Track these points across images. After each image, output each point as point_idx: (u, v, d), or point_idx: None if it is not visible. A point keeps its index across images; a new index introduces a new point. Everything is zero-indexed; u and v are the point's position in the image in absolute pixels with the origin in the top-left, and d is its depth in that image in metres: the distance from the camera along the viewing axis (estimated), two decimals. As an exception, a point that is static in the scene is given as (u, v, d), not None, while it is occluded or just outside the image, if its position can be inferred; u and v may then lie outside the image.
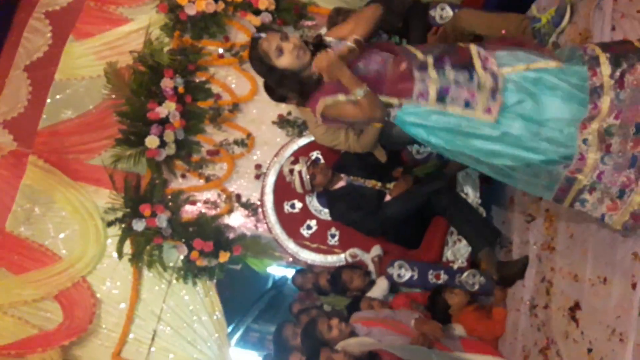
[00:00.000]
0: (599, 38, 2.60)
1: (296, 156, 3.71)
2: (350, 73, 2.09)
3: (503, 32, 3.28)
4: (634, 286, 2.10)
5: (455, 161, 3.38)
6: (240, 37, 4.14)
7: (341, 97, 2.13)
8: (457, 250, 3.47)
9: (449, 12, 3.65)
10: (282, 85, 2.22)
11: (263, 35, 2.15)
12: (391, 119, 2.17)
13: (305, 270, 3.83)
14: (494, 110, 2.04)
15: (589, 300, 2.42)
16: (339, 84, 2.12)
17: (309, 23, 4.09)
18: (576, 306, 2.50)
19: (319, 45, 2.19)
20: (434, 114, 2.09)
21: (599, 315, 2.31)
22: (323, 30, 3.88)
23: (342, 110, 2.16)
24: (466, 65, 2.08)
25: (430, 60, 2.11)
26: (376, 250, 3.60)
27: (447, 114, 2.09)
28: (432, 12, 3.67)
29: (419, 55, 2.14)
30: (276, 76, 2.19)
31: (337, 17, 3.52)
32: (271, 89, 3.41)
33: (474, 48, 2.14)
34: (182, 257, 3.88)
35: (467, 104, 2.06)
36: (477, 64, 2.08)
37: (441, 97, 2.07)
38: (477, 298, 3.48)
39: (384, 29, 3.59)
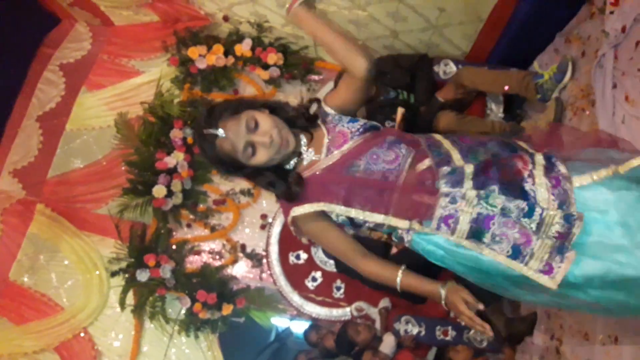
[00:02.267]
0: (601, 95, 2.63)
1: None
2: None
3: (506, 88, 3.34)
4: (646, 347, 2.05)
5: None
6: (249, 90, 4.23)
7: (320, 208, 1.52)
8: (465, 306, 3.40)
9: (452, 67, 3.73)
10: (257, 183, 1.62)
11: (220, 132, 1.44)
12: (405, 243, 1.58)
13: (319, 326, 3.74)
14: (559, 274, 1.36)
15: (600, 360, 2.35)
16: (324, 182, 1.53)
17: (316, 77, 4.18)
18: (588, 366, 2.43)
19: (313, 118, 1.59)
20: (462, 248, 1.47)
21: (612, 377, 2.24)
22: (324, 91, 3.96)
23: (321, 234, 1.60)
24: (521, 187, 1.39)
25: (469, 169, 1.44)
26: (384, 302, 3.54)
27: (481, 256, 1.45)
28: (436, 68, 3.75)
29: (454, 155, 1.46)
30: (248, 173, 1.57)
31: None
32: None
33: (538, 156, 1.45)
34: (184, 309, 3.83)
35: (516, 252, 1.39)
36: (539, 181, 1.39)
37: (476, 233, 1.41)
38: (483, 353, 3.40)
39: (391, 85, 3.66)
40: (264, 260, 3.93)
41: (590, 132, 2.01)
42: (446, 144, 1.51)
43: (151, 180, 3.95)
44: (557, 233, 1.35)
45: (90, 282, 3.99)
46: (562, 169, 1.41)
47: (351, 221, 1.57)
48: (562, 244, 1.36)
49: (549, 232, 1.36)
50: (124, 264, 3.87)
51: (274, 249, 3.85)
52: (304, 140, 1.58)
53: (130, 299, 3.89)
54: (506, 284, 1.50)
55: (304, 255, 3.80)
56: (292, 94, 4.19)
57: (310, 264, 3.79)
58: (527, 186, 1.39)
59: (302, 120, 1.57)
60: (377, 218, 1.53)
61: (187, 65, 4.15)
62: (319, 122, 1.59)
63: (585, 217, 1.34)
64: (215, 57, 4.08)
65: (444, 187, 1.45)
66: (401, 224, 1.51)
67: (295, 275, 3.78)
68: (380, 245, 3.48)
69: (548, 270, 1.37)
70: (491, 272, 1.47)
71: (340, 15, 3.64)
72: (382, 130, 1.58)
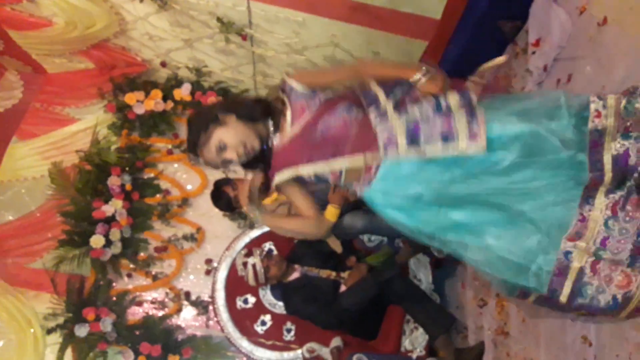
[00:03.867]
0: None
1: (249, 248, 3.67)
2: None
3: None
4: (587, 369, 2.12)
5: (407, 248, 3.49)
6: (189, 134, 4.20)
7: (289, 174, 1.82)
8: (415, 339, 3.43)
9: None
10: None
11: (201, 161, 1.85)
12: (358, 195, 1.81)
13: None
14: (481, 133, 1.64)
15: (546, 386, 2.41)
16: (288, 151, 1.81)
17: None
18: (535, 392, 2.49)
19: (271, 109, 1.85)
20: (408, 178, 1.71)
21: (558, 401, 2.30)
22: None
23: (292, 197, 1.92)
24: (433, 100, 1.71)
25: (389, 106, 1.75)
26: (336, 341, 3.51)
27: (425, 166, 1.70)
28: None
29: (381, 98, 1.77)
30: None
31: None
32: (217, 199, 3.46)
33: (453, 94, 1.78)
34: (128, 363, 3.66)
35: (446, 138, 1.66)
36: (451, 98, 1.71)
37: (413, 140, 1.68)
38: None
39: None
40: (210, 307, 3.83)
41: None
42: (374, 87, 1.78)
43: (88, 230, 3.83)
44: (462, 104, 1.66)
45: (24, 342, 3.77)
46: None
47: (317, 179, 1.84)
48: (471, 111, 1.65)
49: (456, 108, 1.66)
50: (61, 320, 3.70)
51: (221, 295, 3.77)
52: (270, 124, 1.85)
53: (68, 356, 3.69)
54: (444, 220, 1.73)
55: (252, 299, 3.74)
56: (234, 137, 4.20)
57: (259, 308, 3.72)
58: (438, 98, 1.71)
59: (264, 113, 1.83)
60: (338, 163, 1.76)
61: (124, 111, 4.11)
62: (284, 96, 1.84)
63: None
64: (153, 102, 4.06)
65: (377, 125, 1.73)
66: (358, 161, 1.74)
67: (244, 320, 3.70)
68: (329, 284, 3.51)
69: (473, 135, 1.64)
70: (442, 202, 1.72)
71: (279, 60, 3.72)
72: (334, 99, 1.82)
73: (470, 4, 2.94)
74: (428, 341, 3.40)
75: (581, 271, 1.63)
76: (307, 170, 1.79)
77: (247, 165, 1.88)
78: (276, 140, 1.84)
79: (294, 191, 1.91)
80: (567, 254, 1.64)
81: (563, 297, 1.65)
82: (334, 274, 3.54)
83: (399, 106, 1.74)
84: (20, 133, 4.26)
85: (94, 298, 3.78)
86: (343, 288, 3.48)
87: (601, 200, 1.64)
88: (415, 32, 3.22)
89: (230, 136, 1.77)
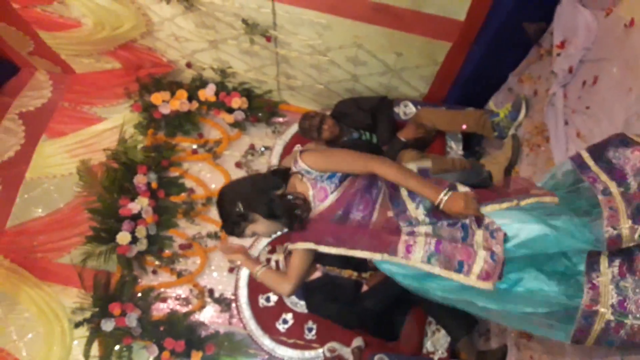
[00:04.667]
0: (554, 132, 2.77)
1: (273, 245, 3.71)
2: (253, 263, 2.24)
3: (463, 127, 3.48)
4: (612, 373, 2.11)
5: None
6: (214, 134, 4.26)
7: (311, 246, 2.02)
8: (437, 341, 3.43)
9: (411, 108, 3.86)
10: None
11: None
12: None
13: None
14: (493, 276, 1.74)
15: (570, 390, 2.40)
16: (313, 228, 2.01)
17: (281, 120, 4.26)
18: (558, 396, 2.48)
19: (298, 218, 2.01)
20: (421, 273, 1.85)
21: (581, 405, 2.28)
22: (290, 132, 4.05)
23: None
24: (459, 222, 1.83)
25: (421, 216, 1.86)
26: (357, 341, 3.53)
27: (435, 277, 1.83)
28: (396, 109, 3.87)
29: (410, 207, 1.88)
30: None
31: (305, 121, 3.68)
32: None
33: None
34: (152, 358, 3.73)
35: (461, 268, 1.77)
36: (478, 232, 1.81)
37: (430, 256, 1.81)
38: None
39: (354, 126, 3.77)
40: (233, 305, 3.88)
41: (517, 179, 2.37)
42: (403, 193, 1.91)
43: (115, 227, 3.89)
44: (485, 243, 1.77)
45: (52, 334, 3.86)
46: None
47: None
48: (492, 252, 1.76)
49: (479, 244, 1.78)
50: (88, 314, 3.76)
51: (243, 293, 3.81)
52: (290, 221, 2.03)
53: (95, 349, 3.77)
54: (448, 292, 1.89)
55: (274, 298, 3.78)
56: (258, 136, 4.24)
57: (281, 306, 3.76)
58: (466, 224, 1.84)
59: (284, 210, 1.99)
60: (356, 253, 1.91)
61: (150, 111, 4.16)
62: (302, 177, 1.99)
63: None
64: (179, 103, 4.11)
65: (405, 228, 1.87)
66: (376, 257, 1.88)
67: (266, 318, 3.74)
68: (350, 284, 3.52)
69: (485, 277, 1.75)
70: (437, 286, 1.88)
71: (302, 61, 3.74)
72: (354, 179, 1.96)
73: (494, 5, 2.93)
74: (450, 343, 3.40)
75: (605, 330, 1.75)
76: (327, 250, 1.94)
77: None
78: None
79: (301, 257, 2.09)
80: (587, 318, 1.75)
81: (588, 344, 1.79)
82: (355, 274, 3.55)
83: (430, 214, 1.86)
84: (50, 131, 4.35)
85: (120, 294, 3.85)
86: (365, 288, 3.50)
87: (605, 266, 1.75)
88: (439, 34, 3.22)
89: (261, 230, 2.06)
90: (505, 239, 1.77)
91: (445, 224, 1.83)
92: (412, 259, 1.81)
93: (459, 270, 1.76)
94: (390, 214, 1.89)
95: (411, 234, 1.84)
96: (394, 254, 1.84)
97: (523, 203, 1.82)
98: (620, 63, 2.34)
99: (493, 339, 3.30)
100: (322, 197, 1.96)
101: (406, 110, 3.87)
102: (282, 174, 2.07)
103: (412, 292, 1.95)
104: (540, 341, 2.72)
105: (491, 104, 3.52)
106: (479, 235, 1.78)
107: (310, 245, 1.96)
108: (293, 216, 1.97)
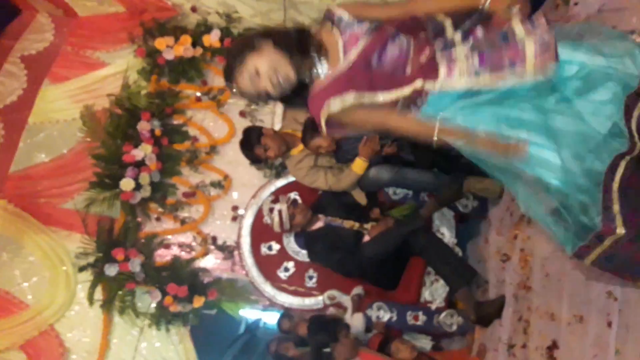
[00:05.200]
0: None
1: (276, 195, 3.71)
2: None
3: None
4: (609, 324, 2.13)
5: (432, 202, 3.49)
6: (218, 81, 4.19)
7: (350, 99, 1.72)
8: (435, 291, 3.48)
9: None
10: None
11: (234, 90, 1.79)
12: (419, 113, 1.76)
13: (291, 315, 3.74)
14: (549, 55, 1.65)
15: (566, 339, 2.43)
16: (342, 80, 1.74)
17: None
18: (554, 345, 2.51)
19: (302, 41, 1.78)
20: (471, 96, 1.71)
21: (577, 354, 2.32)
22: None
23: (354, 117, 1.76)
24: (502, 32, 1.69)
25: (457, 37, 1.73)
26: (357, 289, 3.58)
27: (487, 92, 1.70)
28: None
29: (447, 26, 1.75)
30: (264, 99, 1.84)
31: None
32: (247, 152, 3.47)
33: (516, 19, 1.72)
34: (155, 302, 3.79)
35: (513, 63, 1.66)
36: (518, 28, 1.68)
37: (475, 72, 1.69)
38: (438, 342, 3.52)
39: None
40: (236, 252, 3.91)
41: None
42: (441, 16, 1.77)
43: (118, 174, 3.89)
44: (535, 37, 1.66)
45: (56, 278, 3.91)
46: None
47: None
48: (542, 39, 1.65)
49: (529, 38, 1.66)
50: (91, 259, 3.81)
51: (246, 241, 3.84)
52: (315, 56, 1.77)
53: (98, 293, 3.83)
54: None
55: (276, 246, 3.80)
56: (262, 85, 4.17)
57: (283, 255, 3.79)
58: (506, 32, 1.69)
59: (304, 44, 1.76)
60: (399, 92, 1.73)
61: (154, 56, 4.10)
62: (332, 26, 1.79)
63: None
64: (183, 48, 4.04)
65: (440, 58, 1.71)
66: (417, 84, 1.72)
67: (268, 266, 3.78)
68: (352, 234, 3.54)
69: (542, 50, 1.66)
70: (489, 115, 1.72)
71: (311, 5, 3.69)
72: (383, 27, 1.77)
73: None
74: (448, 293, 3.45)
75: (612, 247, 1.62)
76: (369, 98, 1.73)
77: (286, 100, 1.84)
78: (324, 71, 1.77)
79: (362, 113, 1.77)
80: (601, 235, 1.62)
81: (587, 261, 1.68)
82: (357, 224, 3.57)
83: (467, 36, 1.72)
84: (52, 76, 4.30)
85: (123, 239, 3.88)
86: (366, 239, 3.52)
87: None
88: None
89: (264, 62, 1.71)
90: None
91: (483, 40, 1.70)
92: (456, 79, 1.69)
93: (511, 67, 1.66)
94: (425, 53, 1.72)
95: (449, 60, 1.70)
96: (435, 78, 1.70)
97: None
98: None
99: (491, 290, 3.33)
100: (352, 42, 1.76)
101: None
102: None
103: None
104: (539, 293, 2.75)
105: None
106: (519, 30, 1.66)
107: (352, 97, 1.71)
108: (314, 45, 1.76)
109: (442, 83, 1.71)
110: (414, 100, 1.74)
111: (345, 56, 1.77)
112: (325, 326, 3.38)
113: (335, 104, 1.71)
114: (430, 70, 1.71)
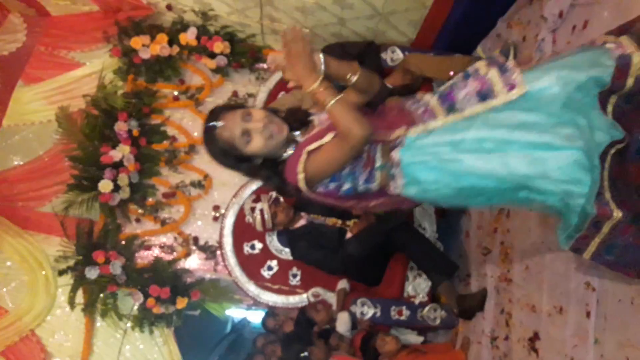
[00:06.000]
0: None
1: (257, 194, 3.70)
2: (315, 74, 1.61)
3: (451, 73, 3.43)
4: (588, 314, 2.17)
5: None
6: (196, 80, 4.15)
7: (311, 147, 1.66)
8: (418, 285, 3.50)
9: (399, 54, 3.79)
10: (256, 176, 1.82)
11: (219, 124, 1.68)
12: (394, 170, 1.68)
13: (276, 313, 3.74)
14: (518, 79, 1.60)
15: (547, 330, 2.47)
16: (303, 143, 1.70)
17: (265, 66, 4.15)
18: (535, 337, 2.55)
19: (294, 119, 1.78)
20: (452, 134, 1.65)
21: (558, 345, 2.36)
22: (274, 79, 3.96)
23: (320, 157, 1.65)
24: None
25: (434, 101, 1.72)
26: (342, 283, 3.60)
27: (466, 128, 1.63)
28: (383, 55, 3.80)
29: (426, 97, 1.76)
30: (247, 168, 1.77)
31: None
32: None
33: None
34: (137, 304, 3.75)
35: (484, 96, 1.63)
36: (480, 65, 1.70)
37: (450, 107, 1.66)
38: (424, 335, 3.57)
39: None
40: (218, 252, 3.89)
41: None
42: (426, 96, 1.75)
43: (97, 175, 3.83)
44: (497, 65, 1.64)
45: (35, 283, 3.85)
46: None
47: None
48: (502, 66, 1.63)
49: (490, 71, 1.63)
50: (71, 262, 3.75)
51: (228, 240, 3.82)
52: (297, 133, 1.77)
53: (79, 297, 3.78)
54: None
55: (258, 245, 3.79)
56: (241, 83, 4.15)
57: (266, 253, 3.78)
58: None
59: (294, 123, 1.76)
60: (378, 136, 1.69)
61: (130, 55, 4.03)
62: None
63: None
64: (159, 47, 3.98)
65: (409, 106, 1.74)
66: (397, 133, 1.68)
67: (251, 265, 3.77)
68: (334, 231, 3.55)
69: (511, 86, 1.60)
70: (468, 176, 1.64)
71: (287, 3, 3.63)
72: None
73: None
74: (431, 287, 3.47)
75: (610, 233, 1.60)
76: None
77: (267, 174, 1.77)
78: (300, 138, 1.76)
79: (319, 151, 1.68)
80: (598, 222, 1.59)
81: (586, 255, 1.66)
82: (339, 222, 3.57)
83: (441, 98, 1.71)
84: (26, 77, 4.21)
85: (104, 242, 3.82)
86: (349, 235, 3.53)
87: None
88: (428, -24, 3.13)
89: (258, 111, 1.72)
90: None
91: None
92: (434, 121, 1.66)
93: (482, 99, 1.62)
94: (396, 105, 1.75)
95: (424, 109, 1.70)
96: (416, 125, 1.67)
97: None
98: (611, 6, 2.30)
99: (473, 283, 3.37)
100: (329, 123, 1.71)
101: (393, 56, 3.79)
102: None
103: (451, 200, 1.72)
104: (520, 285, 2.78)
105: (479, 50, 3.47)
106: (478, 63, 1.66)
107: (311, 147, 1.66)
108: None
109: (420, 129, 1.68)
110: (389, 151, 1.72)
111: (319, 121, 1.76)
112: (310, 324, 3.41)
113: (301, 163, 1.65)
114: (407, 120, 1.70)
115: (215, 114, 1.72)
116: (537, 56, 2.83)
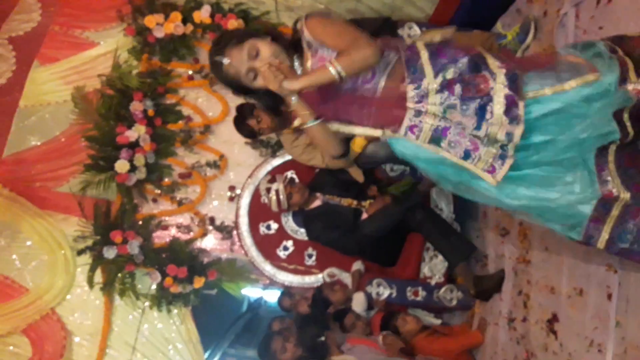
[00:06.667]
0: (564, 54, 2.66)
1: (273, 175, 3.69)
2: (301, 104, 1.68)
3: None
4: (609, 297, 2.13)
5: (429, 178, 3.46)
6: (210, 59, 4.11)
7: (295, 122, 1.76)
8: (434, 266, 3.47)
9: (416, 30, 3.71)
10: (262, 103, 1.85)
11: (225, 60, 1.69)
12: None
13: (292, 293, 3.75)
14: (499, 174, 1.64)
15: (566, 312, 2.44)
16: (315, 101, 1.71)
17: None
18: (554, 318, 2.52)
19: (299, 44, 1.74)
20: (424, 151, 1.70)
21: (577, 327, 2.33)
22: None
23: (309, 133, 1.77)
24: (479, 102, 1.61)
25: (434, 85, 1.64)
26: (357, 265, 3.59)
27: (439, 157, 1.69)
28: (400, 31, 3.72)
29: (428, 73, 1.65)
30: (254, 97, 1.83)
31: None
32: (241, 127, 3.43)
33: (500, 77, 1.62)
34: (155, 284, 3.79)
35: (467, 155, 1.65)
36: (497, 104, 1.59)
37: (435, 139, 1.66)
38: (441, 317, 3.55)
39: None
40: (234, 232, 3.90)
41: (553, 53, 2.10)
42: (424, 57, 1.67)
43: (113, 155, 3.85)
44: (500, 143, 1.62)
45: (55, 262, 3.90)
46: (516, 96, 1.61)
47: None
48: (504, 154, 1.63)
49: (494, 143, 1.62)
50: (90, 242, 3.80)
51: (244, 221, 3.83)
52: (297, 62, 1.76)
53: (98, 276, 3.83)
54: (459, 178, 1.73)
55: (274, 225, 3.79)
56: (256, 62, 4.09)
57: (282, 234, 3.78)
58: (485, 104, 1.62)
59: (297, 46, 1.74)
60: (357, 130, 1.76)
61: (144, 34, 4.01)
62: (303, 43, 1.74)
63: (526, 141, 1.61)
64: (173, 26, 3.95)
65: (410, 104, 1.66)
66: (376, 133, 1.73)
67: (267, 245, 3.78)
68: (350, 211, 3.52)
69: (492, 170, 1.64)
70: (447, 167, 1.70)
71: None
72: None
73: None
74: (447, 268, 3.45)
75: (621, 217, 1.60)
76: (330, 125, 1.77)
77: (268, 104, 1.82)
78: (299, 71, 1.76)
79: (317, 130, 1.76)
80: (605, 204, 1.62)
81: (600, 244, 1.64)
82: (355, 202, 3.55)
83: (444, 89, 1.63)
84: (42, 57, 4.20)
85: (121, 222, 3.86)
86: (364, 216, 3.51)
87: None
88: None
89: (265, 46, 1.69)
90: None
91: (459, 104, 1.61)
92: (415, 140, 1.67)
93: (464, 158, 1.65)
94: (400, 85, 1.67)
95: (417, 113, 1.65)
96: (396, 132, 1.68)
97: (568, 87, 1.61)
98: (639, -21, 2.20)
99: (490, 264, 3.33)
100: (319, 65, 1.69)
101: (411, 32, 3.71)
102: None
103: (430, 177, 1.79)
104: (538, 266, 2.74)
105: (499, 26, 3.37)
106: (494, 126, 1.59)
107: (311, 123, 1.72)
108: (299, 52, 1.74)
109: (400, 137, 1.70)
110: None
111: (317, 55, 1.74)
112: (326, 303, 3.42)
113: (297, 123, 1.75)
114: (392, 122, 1.69)
115: (222, 46, 1.71)
116: (558, 33, 2.75)
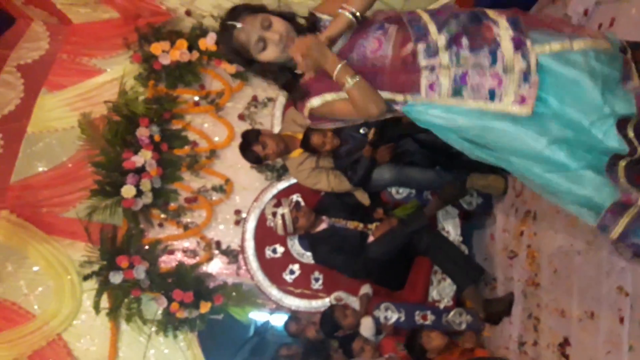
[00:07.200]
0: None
1: (278, 199, 3.70)
2: (335, 57, 1.66)
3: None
4: (621, 320, 2.11)
5: (436, 200, 3.45)
6: (216, 85, 4.16)
7: (329, 97, 1.74)
8: (442, 290, 3.45)
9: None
10: (265, 76, 1.83)
11: (238, 25, 1.68)
12: (398, 112, 1.77)
13: (299, 317, 3.73)
14: (529, 99, 1.60)
15: (578, 336, 2.41)
16: (325, 82, 1.72)
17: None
18: (566, 342, 2.49)
19: (312, 27, 1.76)
20: (450, 112, 1.68)
21: (590, 351, 2.30)
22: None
23: (333, 108, 1.77)
24: (489, 47, 1.62)
25: (442, 41, 1.64)
26: (365, 288, 3.57)
27: (467, 112, 1.67)
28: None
29: (432, 30, 1.65)
30: (257, 69, 1.79)
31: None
32: (246, 153, 3.46)
33: (504, 25, 1.64)
34: (161, 309, 3.78)
35: (492, 95, 1.62)
36: (505, 44, 1.61)
37: (457, 90, 1.64)
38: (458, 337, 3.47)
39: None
40: (240, 256, 3.89)
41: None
42: (425, 17, 1.70)
43: (119, 181, 3.86)
44: (519, 69, 1.60)
45: (61, 288, 3.90)
46: (521, 35, 1.63)
47: None
48: (526, 75, 1.60)
49: (512, 70, 1.60)
50: (96, 267, 3.79)
51: (250, 245, 3.82)
52: None
53: (104, 302, 3.82)
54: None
55: (280, 249, 3.79)
56: (261, 87, 4.14)
57: (287, 257, 3.78)
58: (494, 50, 1.63)
59: (308, 29, 1.74)
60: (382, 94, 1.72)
61: (150, 61, 4.05)
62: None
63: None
64: (179, 53, 4.00)
65: (423, 62, 1.65)
66: (398, 97, 1.71)
67: (273, 269, 3.77)
68: (356, 235, 3.52)
69: (521, 100, 1.61)
70: (470, 128, 1.69)
71: (306, 8, 3.58)
72: (364, 23, 1.73)
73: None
74: (456, 292, 3.42)
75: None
76: (344, 96, 1.72)
77: (283, 83, 1.81)
78: None
79: (334, 103, 1.77)
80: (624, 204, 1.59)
81: (614, 235, 1.62)
82: (361, 225, 3.55)
83: (452, 44, 1.64)
84: (49, 84, 4.25)
85: (127, 247, 3.86)
86: (371, 239, 3.50)
87: None
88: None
89: (278, 21, 1.70)
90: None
91: (468, 52, 1.62)
92: (438, 97, 1.65)
93: (491, 98, 1.62)
94: (407, 48, 1.67)
95: (432, 69, 1.64)
96: (417, 93, 1.67)
97: (576, 46, 1.61)
98: (640, 3, 2.24)
99: (499, 287, 3.31)
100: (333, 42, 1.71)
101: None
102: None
103: (453, 145, 1.76)
104: (548, 289, 2.72)
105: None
106: (509, 59, 1.60)
107: (331, 96, 1.74)
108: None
109: (423, 99, 1.68)
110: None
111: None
112: (335, 327, 3.40)
113: (315, 101, 1.76)
114: (410, 86, 1.68)
115: (237, 13, 1.71)
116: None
